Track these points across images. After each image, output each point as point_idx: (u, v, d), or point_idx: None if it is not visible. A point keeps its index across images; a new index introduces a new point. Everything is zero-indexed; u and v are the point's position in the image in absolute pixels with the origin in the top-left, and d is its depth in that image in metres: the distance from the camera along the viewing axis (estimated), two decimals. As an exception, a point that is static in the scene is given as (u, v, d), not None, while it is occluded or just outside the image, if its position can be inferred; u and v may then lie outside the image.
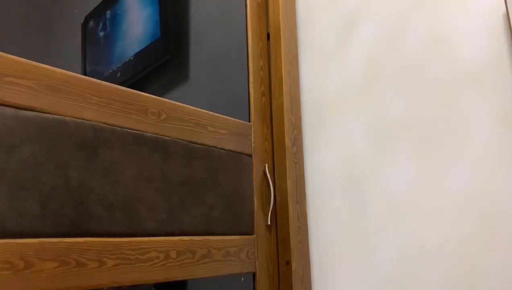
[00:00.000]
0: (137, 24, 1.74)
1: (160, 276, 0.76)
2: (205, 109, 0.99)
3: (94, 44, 2.03)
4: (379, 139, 1.04)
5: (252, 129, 1.12)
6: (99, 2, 2.03)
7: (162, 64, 1.61)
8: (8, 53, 0.65)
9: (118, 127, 0.77)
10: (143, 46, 1.67)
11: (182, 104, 0.93)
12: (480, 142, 0.88)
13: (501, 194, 0.84)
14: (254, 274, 1.00)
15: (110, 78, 1.83)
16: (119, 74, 1.79)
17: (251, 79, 1.18)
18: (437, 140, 0.94)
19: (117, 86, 0.81)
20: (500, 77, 0.87)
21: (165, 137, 0.85)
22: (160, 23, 1.60)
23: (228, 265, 0.92)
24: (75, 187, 0.68)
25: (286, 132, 1.13)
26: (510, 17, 0.84)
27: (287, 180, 1.09)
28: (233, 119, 1.04)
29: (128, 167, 0.77)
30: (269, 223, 1.07)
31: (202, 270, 0.86)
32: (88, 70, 2.00)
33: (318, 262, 1.10)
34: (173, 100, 0.92)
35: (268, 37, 1.23)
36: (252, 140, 1.10)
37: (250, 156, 1.08)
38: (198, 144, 0.94)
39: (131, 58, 1.74)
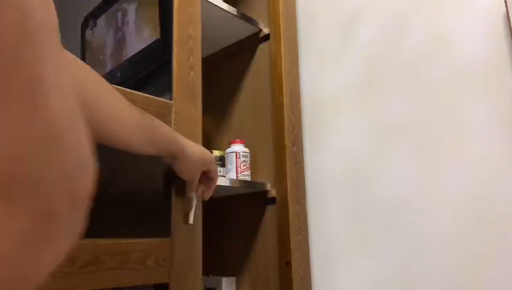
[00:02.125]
0: (137, 24, 1.74)
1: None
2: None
3: (94, 43, 2.02)
4: (379, 139, 1.04)
5: (174, 109, 0.91)
6: (99, 2, 2.02)
7: (162, 64, 1.61)
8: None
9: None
10: (143, 46, 1.67)
11: None
12: (480, 142, 0.88)
13: (501, 194, 0.84)
14: (167, 286, 0.78)
15: (110, 78, 1.83)
16: (119, 74, 1.79)
17: (175, 49, 1.03)
18: (437, 140, 0.94)
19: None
20: (500, 77, 0.87)
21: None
22: (160, 23, 1.60)
23: (126, 274, 0.72)
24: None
25: (286, 132, 1.12)
26: (510, 17, 0.84)
27: (287, 180, 1.09)
28: (152, 97, 0.89)
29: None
30: (190, 222, 0.83)
31: (87, 281, 0.66)
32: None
33: (318, 262, 1.10)
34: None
35: (268, 37, 1.23)
36: (173, 121, 0.90)
37: None
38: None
39: (131, 58, 1.73)
